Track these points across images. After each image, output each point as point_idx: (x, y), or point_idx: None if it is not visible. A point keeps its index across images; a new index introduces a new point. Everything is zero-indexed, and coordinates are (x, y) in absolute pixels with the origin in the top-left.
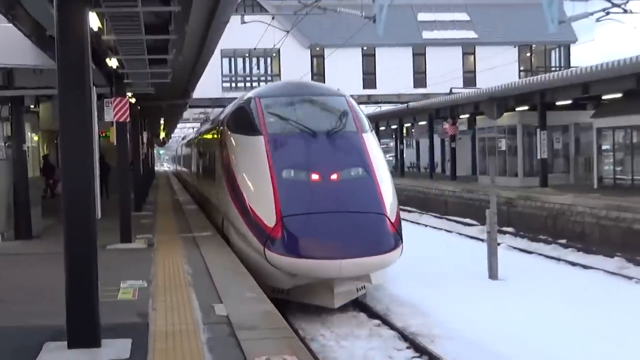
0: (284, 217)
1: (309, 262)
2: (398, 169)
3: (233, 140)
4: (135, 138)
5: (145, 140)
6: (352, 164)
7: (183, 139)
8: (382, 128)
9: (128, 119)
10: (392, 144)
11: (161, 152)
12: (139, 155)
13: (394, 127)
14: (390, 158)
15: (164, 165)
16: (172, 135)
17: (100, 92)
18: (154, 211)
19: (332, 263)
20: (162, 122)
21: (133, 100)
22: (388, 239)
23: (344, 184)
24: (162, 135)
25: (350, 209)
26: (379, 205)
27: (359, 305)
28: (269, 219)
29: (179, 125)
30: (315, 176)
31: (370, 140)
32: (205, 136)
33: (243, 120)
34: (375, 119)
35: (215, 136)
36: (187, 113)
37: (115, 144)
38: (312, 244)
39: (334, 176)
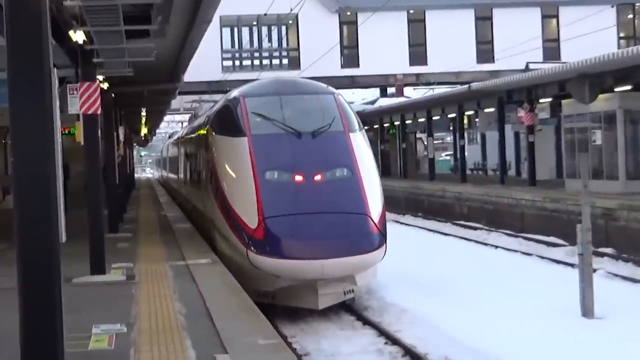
0: (266, 218)
1: (290, 263)
2: (457, 172)
3: (217, 142)
4: (108, 135)
5: (121, 137)
6: (337, 165)
7: (170, 136)
8: (435, 117)
9: (99, 111)
10: (449, 138)
11: (142, 153)
12: (113, 157)
13: (451, 116)
14: (447, 157)
15: (146, 170)
16: (157, 131)
17: (62, 76)
18: (134, 232)
19: (313, 263)
20: (143, 114)
21: (105, 86)
22: (370, 239)
23: (327, 185)
24: (144, 131)
25: (333, 209)
26: (362, 205)
27: (410, 352)
28: (251, 220)
29: (166, 118)
30: (298, 177)
31: (357, 140)
32: (191, 136)
33: (227, 121)
34: (426, 106)
35: (201, 137)
36: (177, 102)
37: (82, 143)
38: (294, 245)
39: (317, 177)
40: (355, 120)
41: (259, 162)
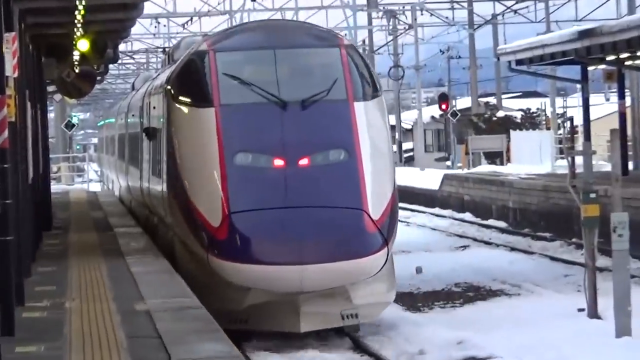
0: (232, 213)
1: (261, 270)
2: None
3: (176, 113)
4: None
5: (11, 70)
6: (330, 145)
7: (132, 87)
8: None
9: None
10: None
11: (76, 118)
12: None
13: None
14: None
15: (85, 170)
16: (127, 48)
17: None
18: None
19: (290, 270)
20: None
21: None
22: (364, 240)
23: (314, 172)
24: (83, 48)
25: (319, 202)
26: (357, 197)
27: None
28: (214, 216)
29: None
30: (279, 161)
31: (365, 111)
32: (152, 98)
33: (189, 85)
34: None
35: (159, 104)
36: None
37: None
38: (266, 246)
39: (303, 161)
40: (366, 84)
41: (229, 142)
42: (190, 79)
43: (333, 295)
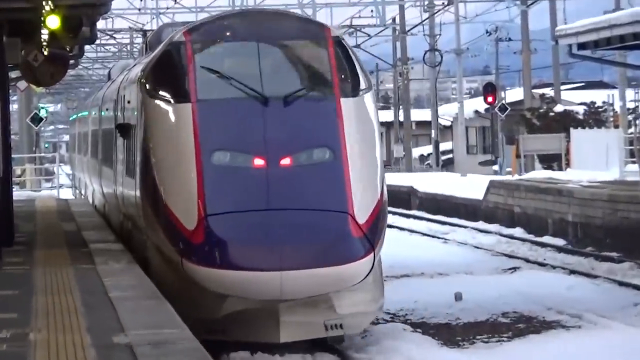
0: (208, 216)
1: (238, 276)
2: None
3: (149, 108)
4: None
5: None
6: (314, 144)
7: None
8: None
9: None
10: None
11: (44, 109)
12: None
13: None
14: None
15: (56, 174)
16: (106, 32)
17: None
18: None
19: (268, 276)
20: None
21: None
22: (348, 245)
23: (297, 172)
24: (53, 25)
25: (300, 205)
26: (341, 200)
27: None
28: (189, 219)
29: None
30: (259, 161)
31: (353, 108)
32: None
33: (165, 78)
34: None
35: (132, 99)
36: None
37: None
38: (243, 251)
39: (285, 161)
40: (354, 79)
41: (206, 139)
42: (166, 71)
43: (315, 303)
